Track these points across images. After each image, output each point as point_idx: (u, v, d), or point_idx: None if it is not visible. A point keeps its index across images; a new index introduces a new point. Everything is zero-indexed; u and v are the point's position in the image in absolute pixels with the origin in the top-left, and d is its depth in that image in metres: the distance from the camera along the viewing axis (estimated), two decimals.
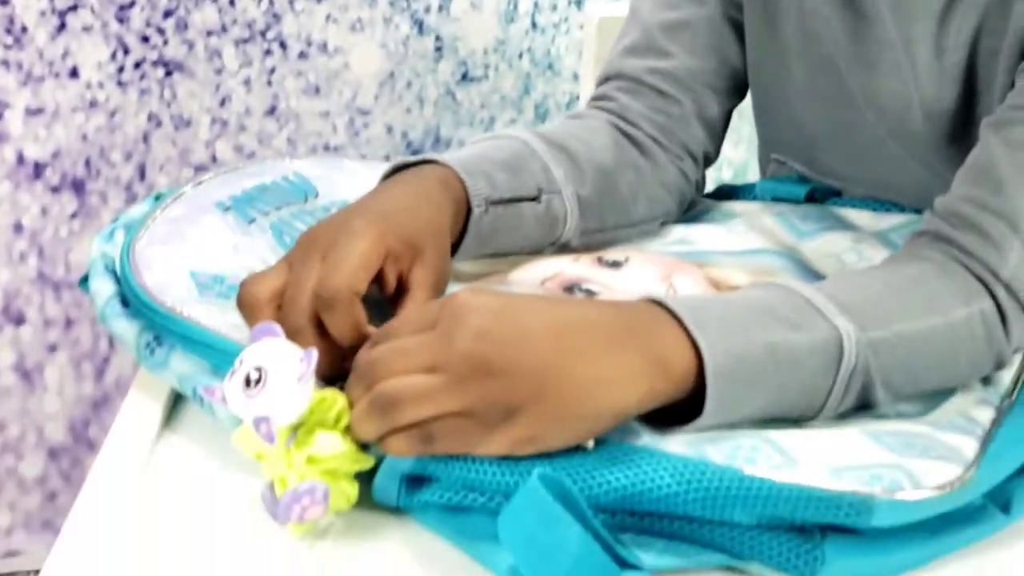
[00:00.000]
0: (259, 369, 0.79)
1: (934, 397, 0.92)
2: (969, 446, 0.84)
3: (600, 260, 1.06)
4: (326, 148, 1.95)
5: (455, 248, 0.99)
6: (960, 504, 0.81)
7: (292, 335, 0.84)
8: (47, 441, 2.06)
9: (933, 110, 1.07)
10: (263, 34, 1.90)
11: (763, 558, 0.79)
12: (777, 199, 1.18)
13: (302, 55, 1.92)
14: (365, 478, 0.83)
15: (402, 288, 0.92)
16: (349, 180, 1.15)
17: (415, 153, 1.99)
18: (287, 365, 0.79)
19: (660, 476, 0.78)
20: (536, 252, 1.08)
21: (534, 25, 1.98)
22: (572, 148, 1.08)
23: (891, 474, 0.79)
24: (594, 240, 1.09)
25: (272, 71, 1.93)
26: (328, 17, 1.91)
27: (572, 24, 1.99)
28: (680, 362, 0.81)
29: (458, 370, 0.77)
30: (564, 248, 1.09)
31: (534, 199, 1.04)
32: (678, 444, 0.81)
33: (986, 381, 0.94)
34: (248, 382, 0.79)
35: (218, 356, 0.90)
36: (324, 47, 1.93)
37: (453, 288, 0.95)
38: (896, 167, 1.13)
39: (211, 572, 0.79)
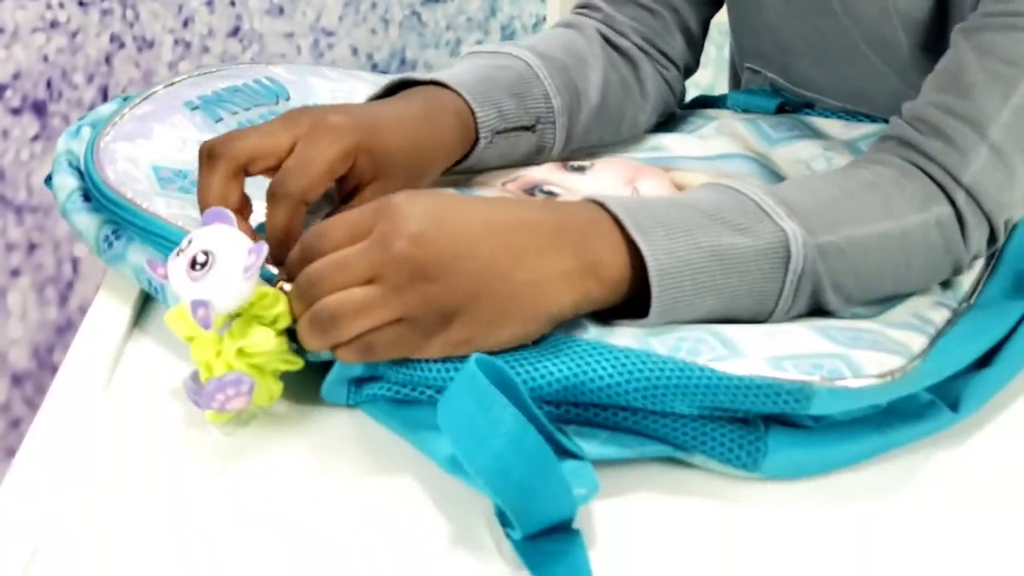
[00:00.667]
0: (207, 253, 0.79)
1: (890, 300, 0.91)
2: (917, 341, 0.84)
3: (565, 164, 1.07)
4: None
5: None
6: (901, 395, 0.81)
7: (232, 177, 0.88)
8: (10, 367, 2.05)
9: (909, 18, 1.06)
10: None
11: (706, 449, 0.79)
12: (748, 111, 1.17)
13: None
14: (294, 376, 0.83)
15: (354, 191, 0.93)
16: (324, 85, 1.15)
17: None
18: (236, 254, 0.79)
19: (602, 367, 0.78)
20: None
21: None
22: (573, 70, 1.08)
23: (832, 363, 0.79)
24: (574, 154, 1.10)
25: None
26: None
27: None
28: (614, 267, 0.81)
29: (395, 278, 0.77)
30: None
31: (530, 128, 1.04)
32: (624, 338, 0.81)
33: (945, 285, 0.94)
34: (194, 264, 0.79)
35: (171, 247, 0.89)
36: None
37: None
38: (870, 76, 1.12)
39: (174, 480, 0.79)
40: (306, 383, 0.83)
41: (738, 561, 0.73)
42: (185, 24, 1.90)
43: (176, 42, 1.91)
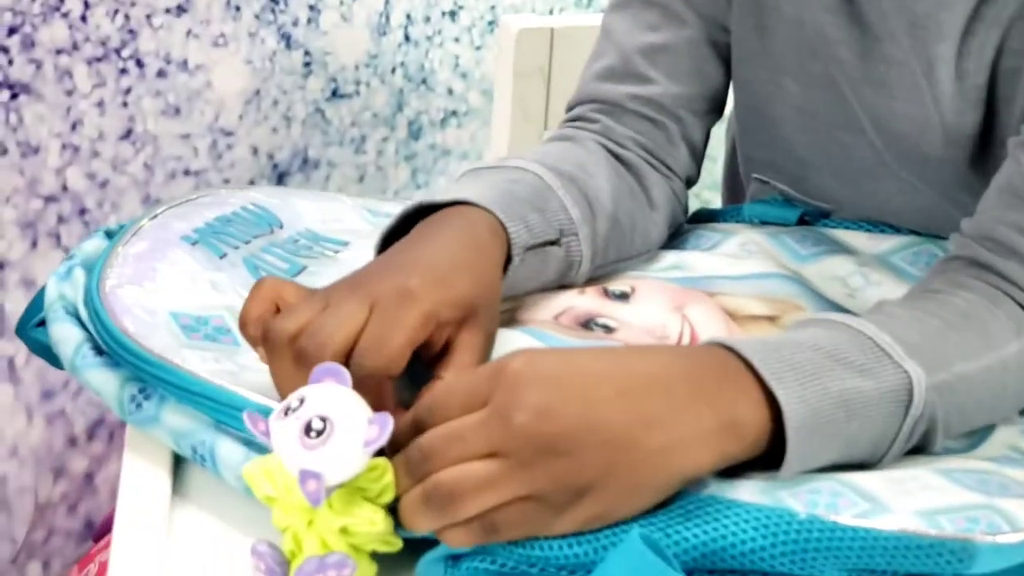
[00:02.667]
0: (324, 420, 0.70)
1: (975, 432, 0.87)
2: None
3: (606, 292, 1.00)
4: (186, 173, 1.84)
5: None
6: None
7: (306, 368, 0.76)
8: None
9: (954, 134, 1.02)
10: (118, 52, 1.78)
11: None
12: (766, 223, 1.12)
13: (161, 74, 1.81)
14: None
15: (446, 347, 0.85)
16: (309, 207, 1.08)
17: (282, 175, 1.90)
18: (355, 423, 0.71)
19: (743, 529, 0.72)
20: (540, 290, 1.01)
21: (407, 38, 1.89)
22: (581, 182, 1.01)
23: (986, 516, 0.74)
24: (594, 274, 1.02)
25: (128, 91, 1.80)
26: (189, 32, 1.80)
27: (446, 37, 1.91)
28: (754, 423, 0.75)
29: (520, 454, 0.70)
30: (568, 286, 1.02)
31: (555, 242, 0.97)
32: (749, 492, 0.75)
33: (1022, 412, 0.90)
34: (308, 430, 0.70)
35: (222, 411, 0.81)
36: (184, 65, 1.81)
37: None
38: (897, 191, 1.08)
39: None
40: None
41: None
42: (73, 127, 1.79)
43: (63, 147, 1.80)
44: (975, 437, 0.86)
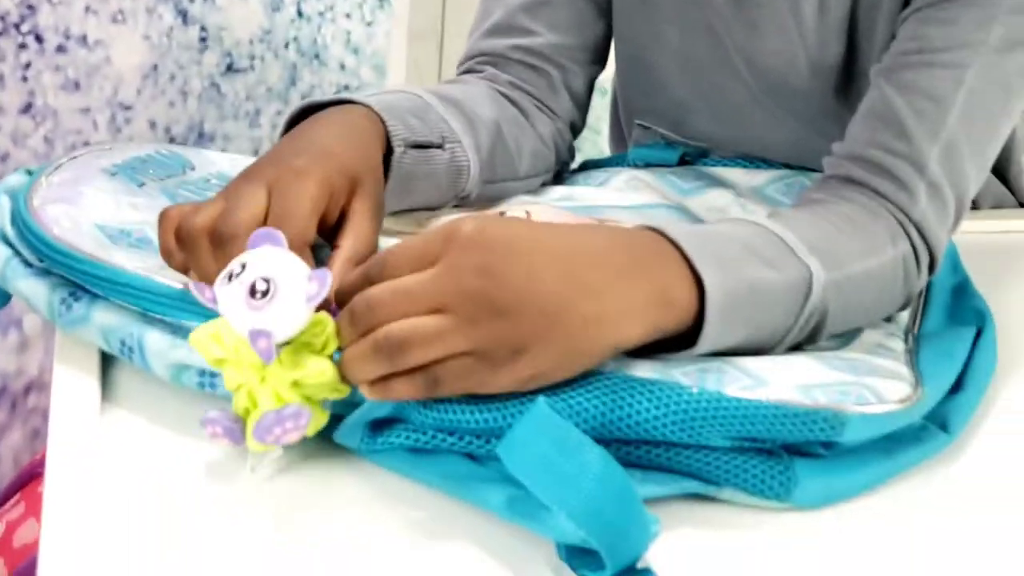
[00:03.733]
0: (267, 280, 0.75)
1: (846, 333, 0.94)
2: (902, 368, 0.87)
3: (503, 216, 1.05)
4: (86, 146, 1.86)
5: None
6: (915, 419, 0.84)
7: (225, 249, 0.82)
8: None
9: (819, 66, 1.10)
10: (17, 27, 1.81)
11: (738, 482, 0.79)
12: (649, 164, 1.19)
13: (60, 49, 1.84)
14: None
15: (340, 219, 0.90)
16: (219, 156, 1.13)
17: None
18: (296, 280, 0.76)
19: (638, 401, 0.78)
20: (441, 207, 1.07)
21: (300, 14, 1.94)
22: (462, 104, 1.08)
23: (856, 390, 0.81)
24: (486, 192, 1.09)
25: (27, 66, 1.84)
26: (87, 8, 1.83)
27: (338, 12, 1.96)
28: (683, 297, 0.81)
29: (466, 311, 0.75)
30: (465, 200, 1.08)
31: (439, 146, 1.02)
32: (645, 369, 0.81)
33: (887, 318, 0.98)
34: (254, 291, 0.75)
35: (149, 299, 0.86)
36: (84, 40, 1.85)
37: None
38: (769, 126, 1.16)
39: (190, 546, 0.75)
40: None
41: None
42: None
43: None
44: (845, 337, 0.93)
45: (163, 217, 0.87)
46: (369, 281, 0.78)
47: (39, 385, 1.91)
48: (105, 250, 0.89)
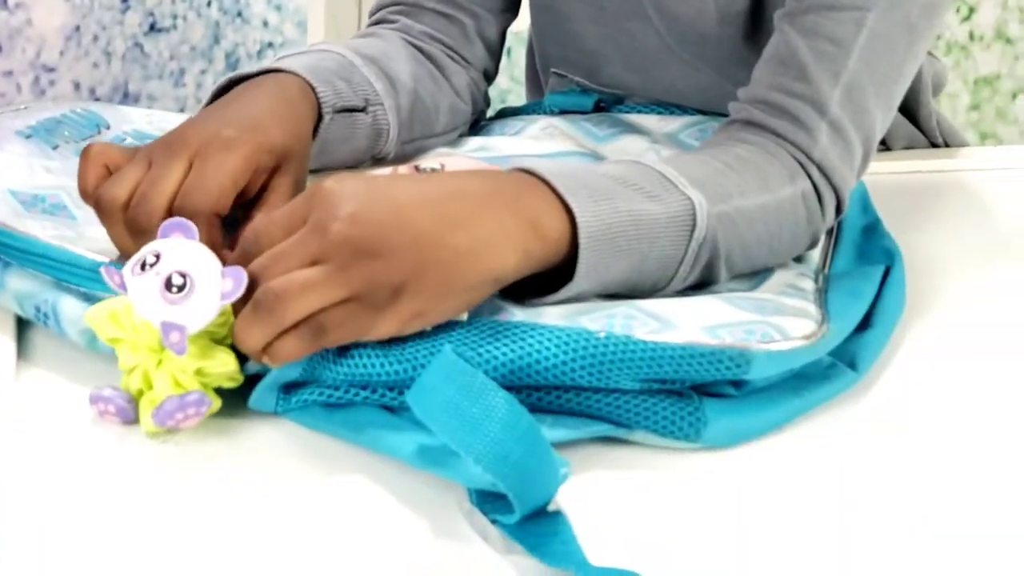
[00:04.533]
0: (184, 275, 0.76)
1: (757, 275, 0.95)
2: (810, 307, 0.89)
3: (418, 168, 1.06)
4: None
5: None
6: (821, 355, 0.86)
7: (139, 232, 0.83)
8: None
9: (726, 12, 1.11)
10: None
11: (648, 424, 0.80)
12: (565, 111, 1.20)
13: None
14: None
15: (259, 194, 0.91)
16: (135, 112, 1.13)
17: None
18: (212, 278, 0.77)
19: (546, 347, 0.79)
20: (356, 167, 1.08)
21: None
22: (382, 63, 1.08)
23: (761, 328, 0.83)
24: (403, 151, 1.10)
25: None
26: None
27: None
28: (553, 225, 0.82)
29: (339, 257, 0.76)
30: (380, 160, 1.08)
31: (363, 110, 1.04)
32: (553, 317, 0.82)
33: (798, 259, 0.99)
34: (170, 285, 0.76)
35: (63, 269, 0.86)
36: (4, 3, 1.84)
37: None
38: (681, 73, 1.17)
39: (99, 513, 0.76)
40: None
41: (695, 530, 0.75)
42: None
43: None
44: (756, 279, 0.94)
45: (85, 153, 0.88)
46: (245, 252, 0.79)
47: None
48: (19, 218, 0.90)
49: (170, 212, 0.85)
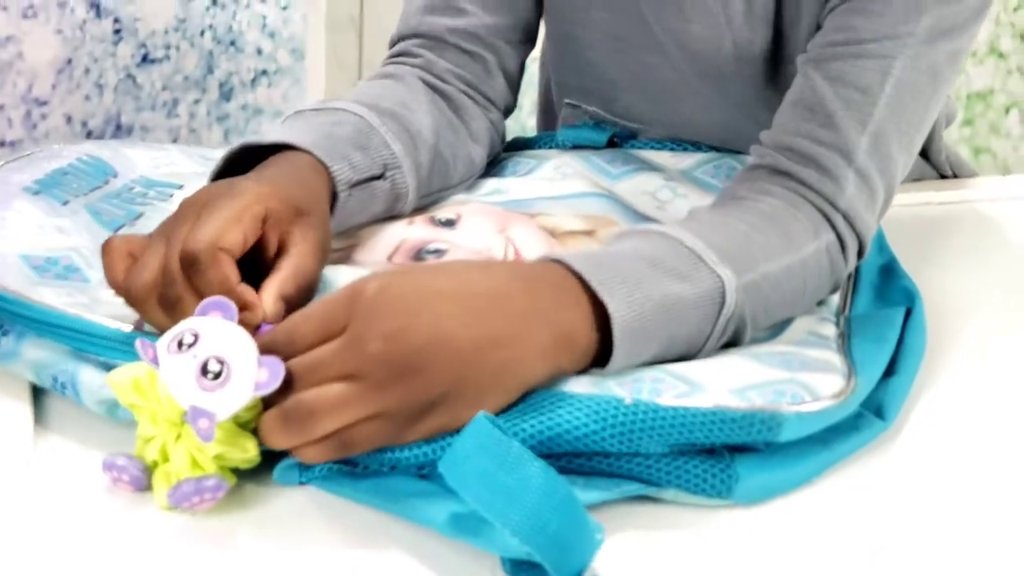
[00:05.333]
0: (221, 362, 0.75)
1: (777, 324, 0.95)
2: (835, 358, 0.88)
3: (433, 220, 1.06)
4: (1, 144, 1.85)
5: None
6: (850, 412, 0.85)
7: (171, 306, 0.81)
8: None
9: (745, 53, 1.10)
10: None
11: (680, 483, 0.80)
12: (578, 146, 1.19)
13: None
14: None
15: (281, 250, 0.88)
16: (141, 155, 1.11)
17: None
18: (250, 367, 0.76)
19: (576, 417, 0.78)
20: (372, 222, 1.06)
21: (214, 1, 1.92)
22: (402, 118, 1.07)
23: (790, 388, 0.82)
24: (420, 204, 1.08)
25: None
26: None
27: None
28: (584, 336, 0.82)
29: (375, 377, 0.76)
30: (399, 215, 1.07)
31: (380, 176, 1.02)
32: (582, 385, 0.81)
33: (818, 303, 0.98)
34: (206, 370, 0.75)
35: (81, 339, 0.85)
36: None
37: None
38: (698, 108, 1.16)
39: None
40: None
41: None
42: None
43: None
44: (777, 327, 0.94)
45: (107, 248, 0.86)
46: (277, 350, 0.78)
47: None
48: (33, 286, 0.88)
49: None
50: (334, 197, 0.97)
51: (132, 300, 0.84)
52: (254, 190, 0.87)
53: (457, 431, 0.76)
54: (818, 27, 1.03)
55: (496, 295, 0.81)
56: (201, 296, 0.81)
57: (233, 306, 0.79)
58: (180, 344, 0.76)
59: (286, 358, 0.77)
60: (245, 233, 0.85)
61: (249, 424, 0.78)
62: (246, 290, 0.83)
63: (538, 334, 0.80)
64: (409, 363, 0.76)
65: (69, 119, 1.88)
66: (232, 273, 0.83)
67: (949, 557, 0.77)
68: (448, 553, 0.75)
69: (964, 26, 1.00)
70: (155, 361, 0.76)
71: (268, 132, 1.00)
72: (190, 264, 0.82)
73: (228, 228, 0.84)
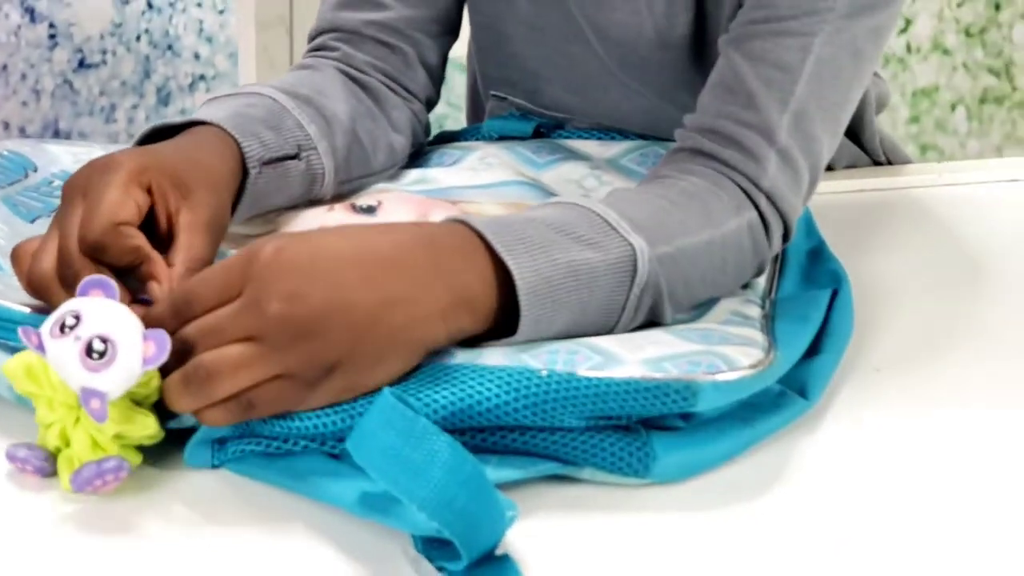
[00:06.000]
0: (105, 340, 0.74)
1: (703, 304, 0.94)
2: (757, 335, 0.87)
3: (354, 207, 1.05)
4: None
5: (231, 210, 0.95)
6: (769, 384, 0.84)
7: (73, 283, 0.80)
8: None
9: (667, 38, 1.09)
10: None
11: (596, 461, 0.79)
12: (504, 137, 1.18)
13: None
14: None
15: (171, 230, 0.87)
16: (61, 150, 1.10)
17: None
18: (134, 342, 0.74)
19: (487, 388, 0.77)
20: (291, 207, 1.05)
21: (150, 5, 1.91)
22: (317, 102, 1.06)
23: (707, 359, 0.81)
24: (340, 191, 1.07)
25: None
26: None
27: (189, 2, 1.93)
28: (485, 298, 0.81)
29: (274, 338, 0.75)
30: (318, 200, 1.06)
31: (295, 156, 1.01)
32: (495, 357, 0.80)
33: (744, 285, 0.97)
34: (90, 351, 0.73)
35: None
36: None
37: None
38: (623, 97, 1.15)
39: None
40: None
41: (648, 568, 0.73)
42: None
43: None
44: (701, 307, 0.93)
45: (15, 258, 0.85)
46: (176, 314, 0.78)
47: None
48: None
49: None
50: (245, 174, 0.96)
51: (36, 290, 0.83)
52: (133, 160, 0.86)
53: (360, 395, 0.76)
54: (740, 5, 1.02)
55: (394, 257, 0.80)
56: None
57: (113, 283, 0.77)
58: (63, 327, 0.75)
59: (185, 322, 0.76)
60: (137, 202, 0.84)
61: (148, 399, 0.77)
62: (158, 260, 0.83)
63: (437, 295, 0.79)
64: (307, 325, 0.75)
65: (7, 125, 1.87)
66: (141, 240, 0.83)
67: (870, 536, 0.76)
68: (360, 532, 0.74)
69: (885, 2, 0.99)
70: (41, 348, 0.75)
71: (190, 116, 0.99)
72: (96, 250, 0.82)
73: (120, 202, 0.83)
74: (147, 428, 0.76)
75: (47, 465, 0.77)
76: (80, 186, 0.85)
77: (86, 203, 0.83)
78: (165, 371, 0.76)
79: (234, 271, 0.77)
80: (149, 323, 0.77)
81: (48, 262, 0.82)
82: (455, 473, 0.68)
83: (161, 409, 0.77)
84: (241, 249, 0.79)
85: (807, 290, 0.99)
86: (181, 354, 0.76)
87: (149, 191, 0.85)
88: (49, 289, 0.82)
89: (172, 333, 0.76)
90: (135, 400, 0.76)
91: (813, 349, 0.90)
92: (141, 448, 0.78)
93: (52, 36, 1.86)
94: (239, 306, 0.76)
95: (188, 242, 0.86)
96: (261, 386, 0.75)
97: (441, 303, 0.79)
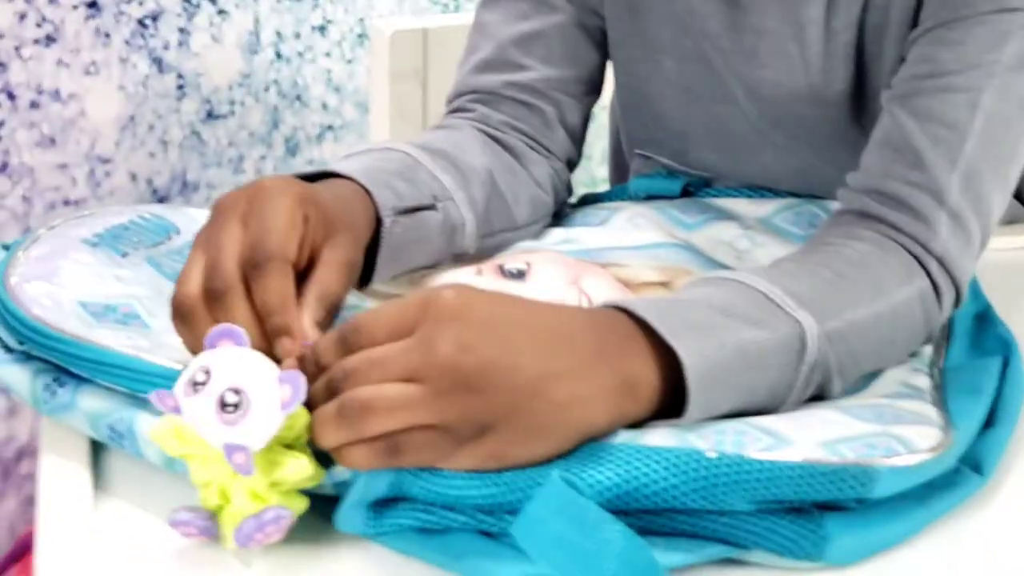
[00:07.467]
0: (238, 392, 0.72)
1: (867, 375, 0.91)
2: (930, 411, 0.84)
3: (502, 270, 1.02)
4: (66, 203, 1.84)
5: (368, 266, 0.93)
6: (948, 466, 0.81)
7: (218, 301, 0.78)
8: None
9: (823, 94, 1.06)
10: None
11: (767, 544, 0.76)
12: (651, 197, 1.15)
13: (33, 105, 1.81)
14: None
15: (311, 265, 0.84)
16: (205, 215, 1.08)
17: (162, 199, 1.90)
18: (268, 388, 0.72)
19: (654, 469, 0.74)
20: (436, 265, 1.03)
21: (279, 55, 1.91)
22: (452, 155, 1.04)
23: (884, 442, 0.78)
24: (484, 246, 1.05)
25: (0, 124, 1.80)
26: (59, 62, 1.80)
27: (318, 52, 1.93)
28: (649, 384, 0.78)
29: (436, 383, 0.72)
30: (461, 257, 1.04)
31: (432, 207, 0.99)
32: (660, 437, 0.77)
33: (911, 353, 0.94)
34: (224, 405, 0.72)
35: (137, 379, 0.82)
36: (57, 94, 1.81)
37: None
38: (774, 156, 1.12)
39: None
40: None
41: None
42: None
43: None
44: (868, 378, 0.90)
45: (176, 314, 0.82)
46: (343, 344, 0.76)
47: (31, 451, 1.87)
48: (90, 329, 0.86)
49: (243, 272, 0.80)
50: (379, 224, 0.94)
51: (181, 315, 0.81)
52: (296, 187, 0.84)
53: (506, 467, 0.74)
54: (902, 60, 0.99)
55: (564, 333, 0.77)
56: (253, 303, 0.79)
57: (240, 331, 0.76)
58: (195, 385, 0.73)
59: (349, 352, 0.75)
60: (299, 230, 0.82)
61: (299, 440, 0.75)
62: (294, 312, 0.80)
63: (602, 376, 0.76)
64: (472, 378, 0.73)
65: (134, 176, 1.87)
66: (292, 283, 0.81)
67: None
68: None
69: None
70: (177, 410, 0.73)
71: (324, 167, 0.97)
72: (260, 272, 0.79)
73: (289, 235, 0.81)
74: (302, 470, 0.74)
75: (211, 525, 0.75)
76: (237, 207, 0.82)
77: (253, 223, 0.81)
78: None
79: (409, 309, 0.75)
80: (315, 349, 0.76)
81: (195, 283, 0.80)
82: (629, 563, 0.67)
83: (323, 453, 0.75)
84: (416, 290, 0.77)
85: (975, 357, 0.95)
86: (341, 383, 0.74)
87: (305, 221, 0.83)
88: (193, 312, 0.80)
89: (332, 363, 0.74)
90: (285, 444, 0.74)
91: (986, 421, 0.87)
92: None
93: (180, 87, 1.86)
94: (409, 344, 0.74)
95: (326, 278, 0.83)
96: (412, 432, 0.73)
97: (605, 385, 0.76)
